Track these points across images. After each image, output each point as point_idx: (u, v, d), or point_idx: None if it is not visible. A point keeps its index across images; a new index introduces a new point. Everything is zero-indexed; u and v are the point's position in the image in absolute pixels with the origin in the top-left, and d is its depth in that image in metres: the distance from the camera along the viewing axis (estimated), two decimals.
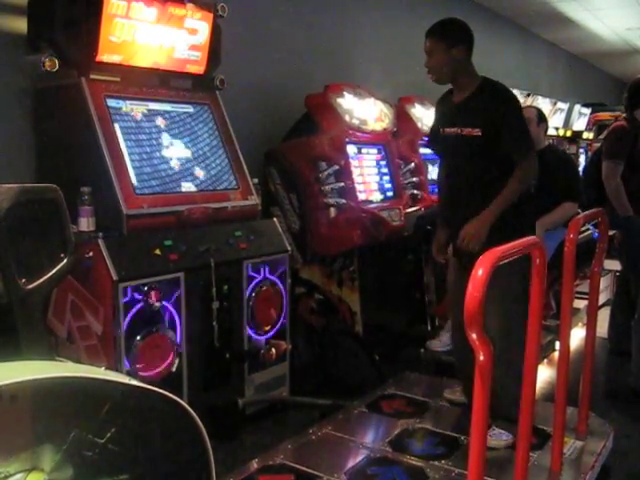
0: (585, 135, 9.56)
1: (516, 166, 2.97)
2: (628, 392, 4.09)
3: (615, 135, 4.42)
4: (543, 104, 7.46)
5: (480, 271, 1.77)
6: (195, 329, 3.14)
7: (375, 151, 4.55)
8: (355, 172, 4.19)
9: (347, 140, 4.16)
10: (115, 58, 3.11)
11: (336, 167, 4.00)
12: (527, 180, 3.04)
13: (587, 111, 9.92)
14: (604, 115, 9.98)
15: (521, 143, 3.02)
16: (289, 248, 3.68)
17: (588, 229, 4.73)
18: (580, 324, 4.94)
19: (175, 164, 3.31)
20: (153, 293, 2.90)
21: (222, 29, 3.61)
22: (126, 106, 3.21)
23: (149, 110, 3.31)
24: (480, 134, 2.98)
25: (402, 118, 4.90)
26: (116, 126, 3.08)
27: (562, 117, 8.93)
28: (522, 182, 3.00)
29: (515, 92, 6.74)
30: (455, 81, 3.15)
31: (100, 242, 2.81)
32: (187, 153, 3.39)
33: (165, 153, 3.29)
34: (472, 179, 3.08)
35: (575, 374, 3.05)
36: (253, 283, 3.43)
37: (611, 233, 4.15)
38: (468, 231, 2.94)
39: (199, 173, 3.40)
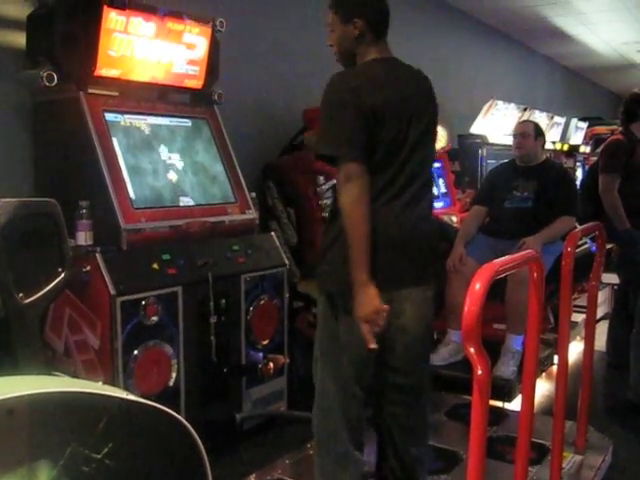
0: (582, 149, 9.59)
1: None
2: (627, 406, 4.08)
3: (612, 149, 4.44)
4: (540, 118, 7.47)
5: (477, 285, 1.77)
6: (193, 343, 3.13)
7: None
8: None
9: None
10: (113, 72, 3.12)
11: (334, 181, 4.00)
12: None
13: (584, 125, 9.96)
14: (601, 129, 10.01)
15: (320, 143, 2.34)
16: (287, 262, 3.68)
17: (586, 242, 4.73)
18: (578, 338, 4.93)
19: (173, 178, 3.31)
20: (151, 307, 2.90)
21: (220, 44, 3.62)
22: (124, 120, 3.21)
23: (147, 124, 3.32)
24: None
25: None
26: (114, 140, 3.09)
27: (559, 131, 8.95)
28: (342, 197, 2.23)
29: (512, 106, 6.83)
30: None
31: (98, 256, 2.81)
32: (185, 167, 3.40)
33: (163, 167, 3.29)
34: None
35: (574, 388, 3.05)
36: (251, 297, 3.43)
37: (609, 246, 4.16)
38: None
39: (197, 187, 3.41)
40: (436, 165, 5.61)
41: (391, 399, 2.49)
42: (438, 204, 5.41)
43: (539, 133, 4.44)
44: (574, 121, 9.64)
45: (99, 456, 1.03)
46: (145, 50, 3.21)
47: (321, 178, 4.00)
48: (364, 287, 2.18)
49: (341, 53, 2.47)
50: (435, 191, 5.12)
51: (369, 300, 2.18)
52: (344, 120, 2.26)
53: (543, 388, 4.22)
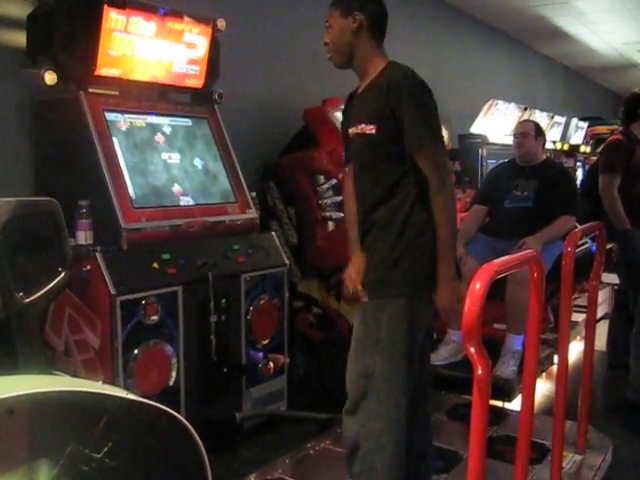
0: (582, 149, 9.58)
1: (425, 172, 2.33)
2: (627, 406, 4.08)
3: (612, 148, 4.44)
4: (540, 118, 7.47)
5: (477, 285, 1.77)
6: (193, 343, 3.13)
7: None
8: None
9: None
10: (114, 72, 3.12)
11: (334, 181, 4.01)
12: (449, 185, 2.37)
13: (584, 125, 9.95)
14: (601, 129, 10.01)
15: (422, 136, 2.32)
16: (287, 262, 3.68)
17: (586, 242, 4.73)
18: (578, 337, 4.93)
19: (173, 178, 3.31)
20: (151, 307, 2.90)
21: (220, 43, 3.62)
22: (124, 120, 3.21)
23: (147, 124, 3.32)
24: (374, 131, 2.36)
25: None
26: (114, 140, 3.09)
27: (559, 131, 8.95)
28: (446, 191, 2.32)
29: (512, 106, 6.83)
30: (354, 65, 2.48)
31: (98, 256, 2.81)
32: (185, 167, 3.40)
33: (163, 167, 3.29)
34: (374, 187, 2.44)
35: (574, 388, 3.05)
36: (251, 297, 3.43)
37: (609, 246, 4.16)
38: None
39: (197, 187, 3.41)
40: None
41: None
42: None
43: (539, 133, 4.44)
44: (574, 121, 9.64)
45: (99, 455, 1.03)
46: (145, 49, 3.21)
47: (321, 178, 4.00)
48: (453, 280, 2.33)
49: (337, 50, 2.46)
50: None
51: (457, 291, 2.32)
52: (435, 113, 2.40)
53: (543, 388, 4.22)
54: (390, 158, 2.36)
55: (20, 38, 3.17)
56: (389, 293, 2.37)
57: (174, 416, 1.15)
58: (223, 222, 3.40)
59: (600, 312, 5.03)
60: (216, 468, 1.27)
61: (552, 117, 8.33)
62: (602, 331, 4.71)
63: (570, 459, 3.05)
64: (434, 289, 2.35)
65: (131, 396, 1.12)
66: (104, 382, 2.30)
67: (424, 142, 2.32)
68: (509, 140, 5.08)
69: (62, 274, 1.87)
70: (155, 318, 2.93)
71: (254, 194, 3.69)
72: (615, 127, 6.83)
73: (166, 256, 3.02)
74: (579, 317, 4.86)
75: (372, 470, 2.33)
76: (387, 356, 2.34)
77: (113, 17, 3.00)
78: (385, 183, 2.37)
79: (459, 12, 7.24)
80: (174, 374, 3.03)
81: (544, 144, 4.55)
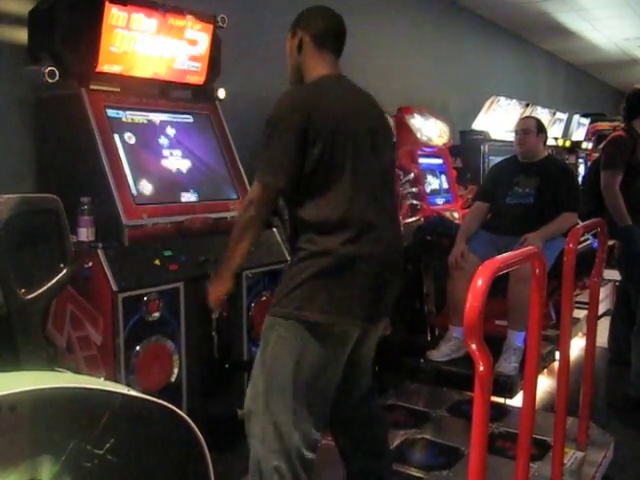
0: (584, 145, 9.58)
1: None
2: (629, 402, 4.08)
3: (613, 145, 4.43)
4: (542, 114, 7.47)
5: (480, 281, 1.77)
6: (195, 339, 3.13)
7: None
8: None
9: None
10: (115, 68, 3.12)
11: None
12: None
13: (586, 121, 9.95)
14: (603, 125, 10.00)
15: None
16: (289, 258, 3.67)
17: (587, 239, 4.73)
18: (580, 334, 4.93)
19: (175, 174, 3.31)
20: (152, 303, 2.90)
21: (222, 40, 3.62)
22: (126, 116, 3.21)
23: (149, 120, 3.32)
24: None
25: (401, 128, 4.92)
26: (116, 136, 3.09)
27: (561, 127, 8.95)
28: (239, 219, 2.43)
29: (514, 102, 6.82)
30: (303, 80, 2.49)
31: (100, 252, 2.81)
32: (187, 163, 3.40)
33: (165, 163, 3.29)
34: None
35: (575, 384, 3.04)
36: (253, 293, 3.43)
37: (611, 243, 4.16)
38: None
39: (199, 183, 3.40)
40: (438, 161, 5.59)
41: None
42: (440, 200, 5.41)
43: (541, 129, 4.44)
44: (576, 117, 9.64)
45: (101, 451, 1.04)
46: (147, 46, 3.20)
47: None
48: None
49: (290, 68, 2.53)
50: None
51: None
52: (278, 148, 2.26)
53: (545, 384, 4.22)
54: None
55: (21, 35, 3.17)
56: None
57: (176, 412, 1.15)
58: (225, 218, 3.39)
59: (602, 309, 5.03)
60: (218, 464, 1.27)
61: (554, 114, 8.33)
62: (604, 327, 4.71)
63: (571, 455, 3.05)
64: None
65: (133, 392, 1.12)
66: (106, 379, 2.30)
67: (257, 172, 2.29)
68: (511, 137, 5.07)
69: (64, 271, 1.87)
70: (157, 315, 2.93)
71: None
72: (617, 123, 6.81)
73: (168, 253, 3.02)
74: (581, 314, 4.86)
75: None
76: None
77: (114, 14, 3.00)
78: None
79: (461, 8, 7.23)
80: (176, 370, 3.04)
81: (546, 141, 4.55)
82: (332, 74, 2.41)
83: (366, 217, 2.23)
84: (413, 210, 4.79)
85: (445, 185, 5.64)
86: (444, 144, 5.58)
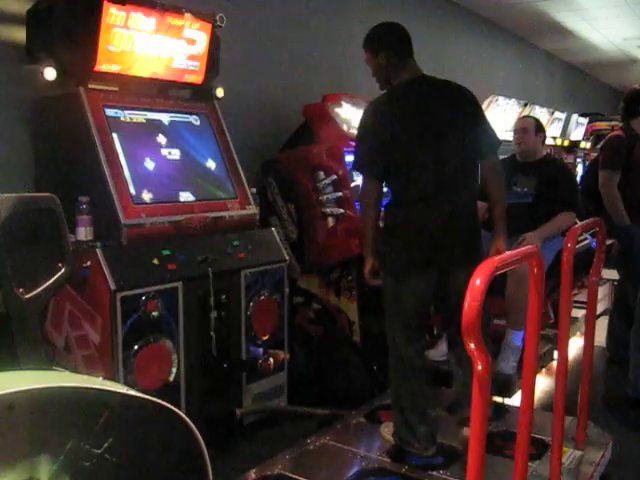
0: (582, 145, 9.59)
1: None
2: (627, 401, 4.08)
3: (612, 145, 4.43)
4: (541, 114, 7.48)
5: (478, 280, 1.77)
6: (193, 339, 3.13)
7: None
8: (356, 181, 4.19)
9: (345, 150, 4.16)
10: (114, 68, 3.12)
11: (334, 177, 4.00)
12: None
13: (584, 121, 9.95)
14: (601, 125, 10.01)
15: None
16: (287, 258, 3.68)
17: (586, 238, 4.73)
18: (578, 333, 4.94)
19: (173, 174, 3.31)
20: (151, 303, 2.90)
21: (220, 39, 3.62)
22: (124, 116, 3.21)
23: (147, 120, 3.32)
24: None
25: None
26: (114, 136, 3.09)
27: (560, 127, 8.95)
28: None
29: (513, 101, 6.82)
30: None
31: (98, 252, 2.81)
32: (185, 163, 3.40)
33: (163, 163, 3.29)
34: None
35: (573, 383, 3.04)
36: (251, 293, 3.43)
37: (609, 242, 4.16)
38: None
39: (197, 183, 3.41)
40: None
41: None
42: None
43: (539, 129, 4.44)
44: (574, 117, 9.64)
45: (99, 451, 1.04)
46: (145, 45, 3.20)
47: (321, 173, 3.99)
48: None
49: (379, 81, 3.08)
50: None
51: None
52: (366, 145, 3.04)
53: (543, 384, 4.23)
54: None
55: (20, 34, 3.17)
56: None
57: (174, 412, 1.15)
58: (223, 218, 3.40)
59: (600, 308, 5.03)
60: (216, 464, 1.27)
61: (552, 113, 8.34)
62: (602, 327, 4.71)
63: (570, 455, 3.05)
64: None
65: (131, 392, 1.12)
66: (104, 378, 2.30)
67: (354, 164, 3.14)
68: (509, 136, 5.07)
69: (62, 270, 1.87)
70: (155, 314, 2.93)
71: (254, 190, 3.69)
72: (615, 123, 6.82)
73: (166, 252, 3.02)
74: (579, 313, 4.87)
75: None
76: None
77: (113, 13, 3.00)
78: None
79: (459, 7, 7.23)
80: (174, 370, 3.04)
81: (544, 140, 4.55)
82: (414, 77, 2.98)
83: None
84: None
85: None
86: None
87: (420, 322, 3.04)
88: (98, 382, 1.13)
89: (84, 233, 2.92)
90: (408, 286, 2.93)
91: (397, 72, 2.98)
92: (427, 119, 2.90)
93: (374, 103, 3.02)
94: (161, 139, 3.33)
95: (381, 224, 3.06)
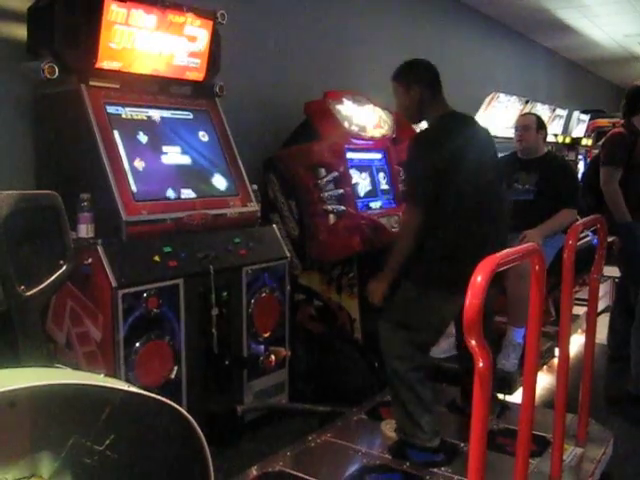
0: (584, 142, 9.58)
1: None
2: (628, 398, 4.09)
3: (613, 141, 4.43)
4: (542, 111, 7.47)
5: (479, 278, 1.77)
6: (194, 336, 3.13)
7: (374, 158, 4.54)
8: (354, 179, 4.19)
9: (346, 147, 4.16)
10: (115, 65, 3.11)
11: (335, 174, 4.00)
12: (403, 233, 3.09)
13: (586, 118, 9.94)
14: (603, 122, 9.99)
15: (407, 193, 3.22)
16: (288, 255, 3.68)
17: (587, 235, 4.72)
18: (579, 331, 4.94)
19: (174, 171, 3.31)
20: (152, 300, 2.90)
21: (221, 36, 3.61)
22: (125, 113, 3.21)
23: (148, 117, 3.32)
24: None
25: (401, 125, 4.88)
26: (115, 133, 3.09)
27: (561, 124, 8.94)
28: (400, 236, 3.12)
29: (514, 99, 6.81)
30: (425, 120, 3.23)
31: (99, 249, 2.81)
32: (186, 160, 3.40)
33: (164, 160, 3.29)
34: None
35: (575, 381, 3.04)
36: (252, 290, 3.43)
37: (610, 239, 4.16)
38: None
39: (198, 180, 3.41)
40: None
41: None
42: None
43: (541, 126, 4.44)
44: (576, 114, 9.63)
45: (101, 448, 1.04)
46: (146, 42, 3.20)
47: (322, 170, 3.99)
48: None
49: (408, 115, 3.24)
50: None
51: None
52: (418, 176, 3.08)
53: (544, 381, 4.23)
54: None
55: (21, 31, 3.16)
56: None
57: (175, 409, 1.15)
58: (224, 215, 3.39)
59: (601, 305, 5.03)
60: (217, 460, 1.27)
61: (554, 110, 8.33)
62: (603, 324, 4.72)
63: (571, 452, 3.05)
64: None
65: (133, 389, 1.12)
66: (106, 375, 2.30)
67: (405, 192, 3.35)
68: (511, 133, 5.07)
69: (63, 267, 1.86)
70: (156, 311, 2.93)
71: (255, 187, 3.68)
72: (617, 120, 6.81)
73: (167, 249, 3.02)
74: (580, 310, 4.87)
75: None
76: None
77: (114, 10, 3.00)
78: None
79: (460, 4, 7.22)
80: (175, 367, 3.04)
81: (545, 137, 4.54)
82: (447, 112, 3.11)
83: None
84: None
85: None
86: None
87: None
88: (99, 379, 1.14)
89: (85, 230, 2.92)
90: (454, 303, 2.79)
91: (431, 106, 3.09)
92: (479, 159, 3.01)
93: (426, 135, 3.14)
94: (162, 136, 3.33)
95: None
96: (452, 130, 3.03)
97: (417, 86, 3.08)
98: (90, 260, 2.81)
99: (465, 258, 2.76)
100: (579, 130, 9.71)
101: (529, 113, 5.32)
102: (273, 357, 3.50)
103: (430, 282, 2.96)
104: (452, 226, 2.95)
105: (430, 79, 3.12)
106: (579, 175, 6.30)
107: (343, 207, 3.98)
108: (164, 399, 1.14)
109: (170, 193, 3.23)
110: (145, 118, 3.30)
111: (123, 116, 3.19)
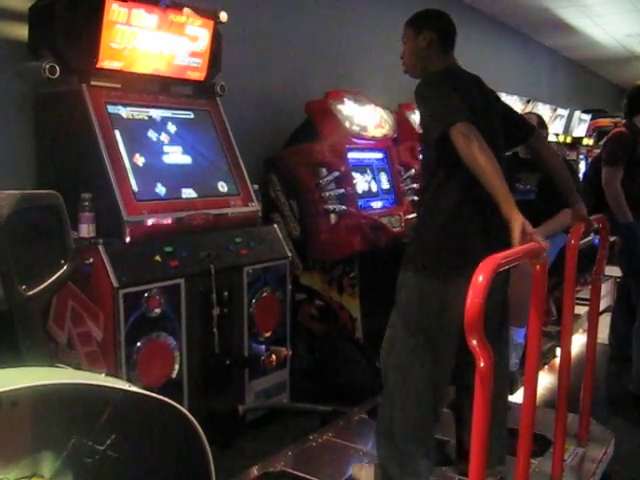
0: (585, 141, 9.57)
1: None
2: (629, 398, 4.09)
3: (614, 141, 4.43)
4: (543, 110, 7.47)
5: (480, 277, 1.77)
6: (195, 335, 3.13)
7: (375, 157, 4.54)
8: (355, 178, 4.19)
9: (347, 146, 4.16)
10: (116, 64, 3.11)
11: (336, 173, 4.00)
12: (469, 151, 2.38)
13: (587, 117, 9.94)
14: (604, 121, 9.99)
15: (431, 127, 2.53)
16: (289, 254, 3.68)
17: (589, 235, 4.72)
18: (581, 330, 4.93)
19: (175, 170, 3.31)
20: (153, 299, 2.90)
21: (222, 36, 3.62)
22: (127, 112, 3.21)
23: (149, 116, 3.32)
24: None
25: (402, 124, 4.88)
26: (116, 132, 3.09)
27: (562, 123, 8.94)
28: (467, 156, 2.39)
29: (515, 98, 6.80)
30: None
31: (100, 248, 2.81)
32: (187, 159, 3.40)
33: (165, 159, 3.29)
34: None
35: (576, 380, 3.04)
36: (253, 289, 3.43)
37: (612, 239, 4.15)
38: None
39: (199, 179, 3.40)
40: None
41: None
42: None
43: (542, 125, 4.43)
44: (577, 113, 9.62)
45: (102, 447, 1.04)
46: (147, 42, 3.20)
47: (323, 170, 3.99)
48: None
49: (410, 64, 2.84)
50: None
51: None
52: (442, 96, 2.50)
53: (545, 380, 4.23)
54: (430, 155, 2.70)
55: (22, 30, 3.17)
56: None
57: (177, 408, 1.15)
58: (225, 215, 3.39)
59: (602, 305, 5.03)
60: (218, 460, 1.27)
61: (555, 110, 8.32)
62: (604, 324, 4.71)
63: (572, 452, 3.05)
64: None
65: (134, 388, 1.12)
66: (107, 374, 2.30)
67: (433, 132, 2.49)
68: None
69: (65, 267, 1.86)
70: (158, 311, 2.93)
71: (256, 187, 3.69)
72: (618, 120, 6.81)
73: (168, 249, 3.02)
74: (582, 310, 4.87)
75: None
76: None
77: (115, 9, 3.00)
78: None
79: (462, 4, 7.21)
80: (177, 367, 3.04)
81: (547, 137, 4.54)
82: (455, 65, 2.78)
83: None
84: (414, 206, 4.20)
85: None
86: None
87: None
88: (101, 379, 1.14)
89: (86, 230, 2.92)
90: (458, 292, 2.30)
91: (438, 59, 2.75)
92: (487, 118, 2.65)
93: (431, 75, 2.68)
94: (163, 136, 3.33)
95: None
96: (461, 76, 2.71)
97: (428, 32, 2.75)
98: (91, 260, 2.81)
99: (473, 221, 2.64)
100: (580, 130, 9.70)
101: (530, 112, 5.32)
102: (274, 357, 3.50)
103: (425, 268, 2.68)
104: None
105: (443, 30, 2.80)
106: (580, 175, 6.30)
107: (344, 207, 3.98)
108: (165, 399, 1.14)
109: (171, 193, 3.23)
110: (146, 118, 3.30)
111: (124, 116, 3.19)
